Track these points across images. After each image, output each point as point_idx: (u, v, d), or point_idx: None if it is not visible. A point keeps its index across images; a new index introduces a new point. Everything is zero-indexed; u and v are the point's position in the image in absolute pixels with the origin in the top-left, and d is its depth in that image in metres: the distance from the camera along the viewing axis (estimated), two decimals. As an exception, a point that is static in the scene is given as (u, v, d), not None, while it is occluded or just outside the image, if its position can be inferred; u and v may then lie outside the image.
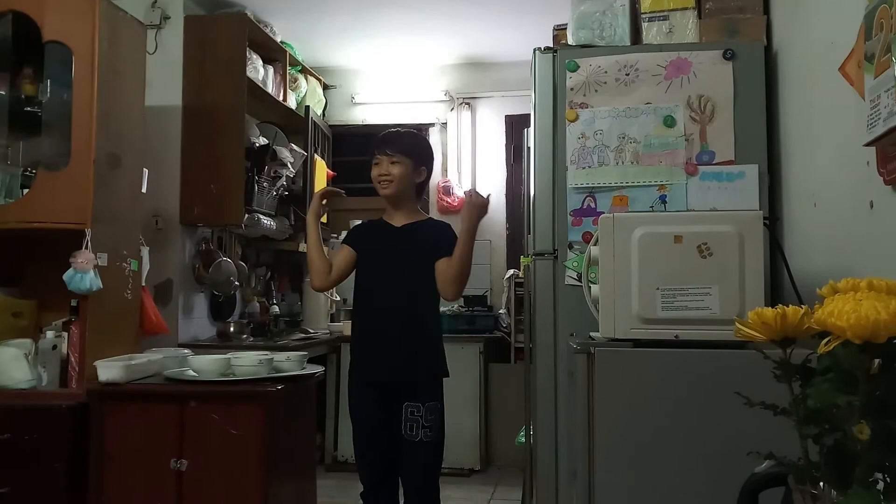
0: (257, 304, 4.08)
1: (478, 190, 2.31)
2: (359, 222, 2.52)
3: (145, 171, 2.91)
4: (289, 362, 2.52)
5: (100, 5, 2.55)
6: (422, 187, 2.36)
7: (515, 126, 4.66)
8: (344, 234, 3.03)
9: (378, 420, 2.22)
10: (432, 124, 4.87)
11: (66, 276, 2.42)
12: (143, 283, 2.90)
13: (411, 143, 2.32)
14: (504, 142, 4.84)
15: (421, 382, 2.21)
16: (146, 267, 2.92)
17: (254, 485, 2.33)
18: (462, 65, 4.80)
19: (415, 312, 2.22)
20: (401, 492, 2.29)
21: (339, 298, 4.49)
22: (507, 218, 4.80)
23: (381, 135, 2.35)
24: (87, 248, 2.46)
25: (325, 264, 2.32)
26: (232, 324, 3.71)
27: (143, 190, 2.91)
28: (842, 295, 0.75)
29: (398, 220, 2.31)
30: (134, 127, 2.80)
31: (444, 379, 2.28)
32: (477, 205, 2.23)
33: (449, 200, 4.82)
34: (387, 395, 2.20)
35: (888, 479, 0.73)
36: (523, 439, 2.87)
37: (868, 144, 1.39)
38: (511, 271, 4.39)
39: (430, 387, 2.23)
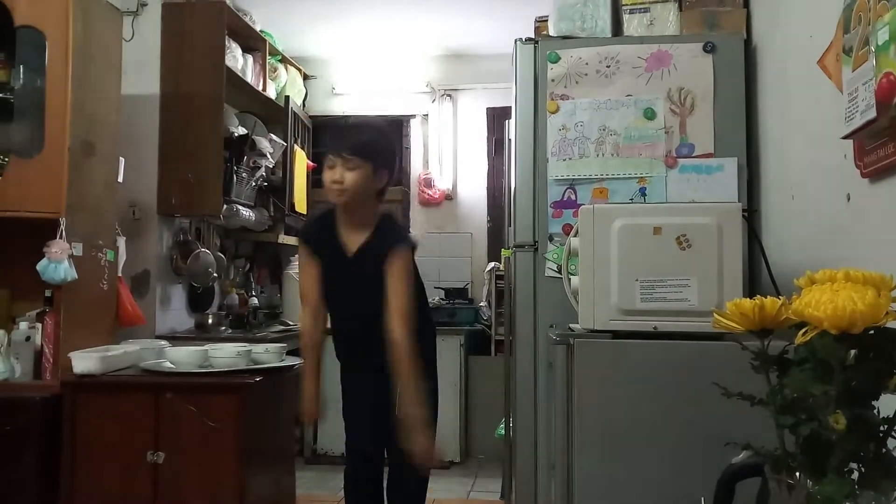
0: (236, 296, 4.04)
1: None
2: (311, 217, 2.32)
3: (121, 159, 2.87)
4: (267, 354, 2.50)
5: (73, -11, 2.50)
6: (382, 192, 2.13)
7: (497, 118, 4.65)
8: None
9: (370, 397, 2.13)
10: (413, 116, 4.85)
11: (39, 266, 2.38)
12: (120, 274, 2.86)
13: (371, 144, 2.07)
14: (486, 134, 4.83)
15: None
16: (122, 257, 2.88)
17: (231, 477, 2.31)
18: (443, 56, 4.78)
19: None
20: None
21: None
22: (488, 210, 4.79)
23: (339, 132, 2.15)
24: (61, 237, 2.42)
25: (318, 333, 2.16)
26: (210, 315, 3.67)
27: (120, 179, 2.87)
28: (819, 286, 0.76)
29: (351, 237, 2.09)
30: (109, 114, 2.75)
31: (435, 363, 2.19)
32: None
33: (430, 193, 4.80)
34: (381, 378, 2.06)
35: (863, 468, 0.74)
36: (503, 431, 2.88)
37: (846, 137, 1.40)
38: (492, 264, 4.38)
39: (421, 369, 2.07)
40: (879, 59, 1.21)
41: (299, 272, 2.19)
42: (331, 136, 2.10)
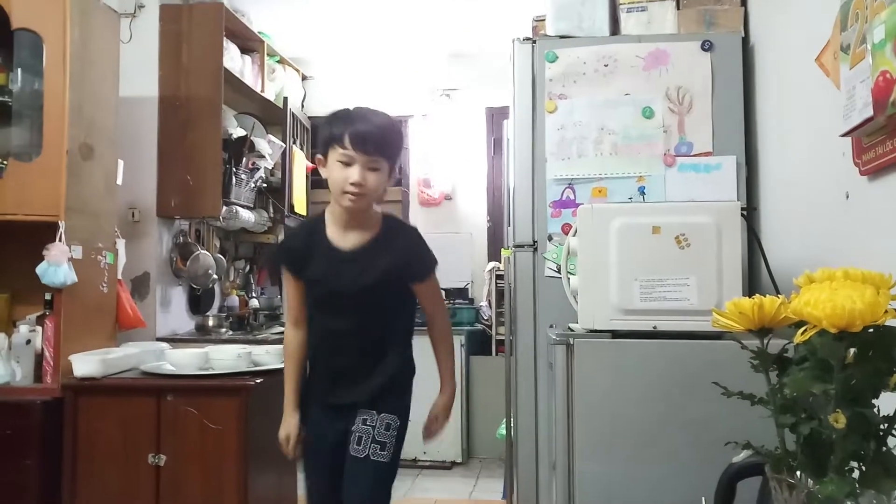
0: (236, 298, 4.04)
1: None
2: (291, 231, 1.94)
3: (120, 162, 2.87)
4: (268, 356, 2.50)
5: (71, -8, 2.50)
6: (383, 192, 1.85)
7: (496, 118, 4.65)
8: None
9: (331, 443, 1.80)
10: (412, 116, 4.85)
11: (39, 269, 2.38)
12: (120, 277, 2.86)
13: (395, 140, 1.80)
14: (485, 134, 4.83)
15: (378, 392, 1.79)
16: (122, 260, 2.88)
17: (233, 479, 2.31)
18: (442, 56, 4.77)
19: (378, 346, 1.81)
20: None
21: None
22: (488, 210, 4.79)
23: (355, 115, 1.76)
24: (60, 240, 2.42)
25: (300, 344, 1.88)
26: (210, 317, 3.67)
27: (119, 182, 2.86)
28: (818, 285, 0.75)
29: (347, 236, 1.79)
30: (108, 117, 2.75)
31: (411, 390, 1.87)
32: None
33: (430, 193, 4.80)
34: (340, 414, 1.80)
35: (863, 467, 0.74)
36: (504, 431, 2.88)
37: (844, 135, 1.39)
38: (492, 264, 4.38)
39: (394, 396, 1.82)
40: (875, 57, 1.21)
41: (286, 288, 1.91)
42: (340, 122, 1.73)
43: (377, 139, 1.71)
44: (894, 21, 1.15)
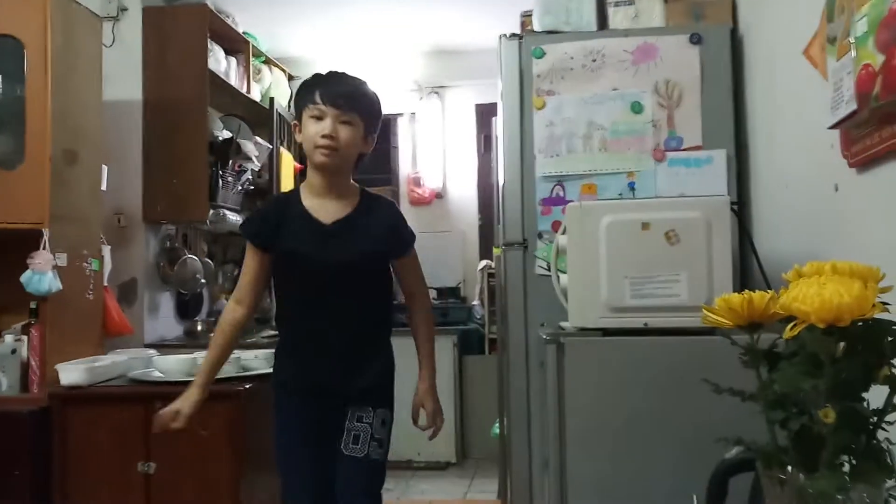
0: (225, 302, 4.01)
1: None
2: (265, 202, 1.85)
3: (105, 167, 2.84)
4: (257, 360, 2.47)
5: (50, -4, 2.47)
6: (361, 161, 1.81)
7: (485, 115, 4.63)
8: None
9: (314, 433, 1.75)
10: (401, 114, 4.83)
11: (23, 278, 2.36)
12: (106, 283, 2.83)
13: (371, 99, 1.76)
14: (474, 131, 4.82)
15: (370, 387, 1.77)
16: (108, 266, 2.85)
17: (225, 486, 2.29)
18: (430, 53, 4.76)
19: (368, 323, 1.78)
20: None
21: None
22: (479, 208, 4.78)
23: (326, 74, 1.74)
24: (44, 248, 2.39)
25: (235, 318, 1.80)
26: (199, 322, 3.64)
27: (103, 187, 2.84)
28: (806, 279, 0.74)
29: (327, 209, 1.74)
30: (91, 122, 2.72)
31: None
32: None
33: (420, 192, 4.78)
34: (325, 403, 1.75)
35: (854, 461, 0.73)
36: (498, 431, 2.86)
37: (832, 127, 1.39)
38: (484, 262, 4.37)
39: (381, 388, 1.79)
40: (859, 50, 1.20)
41: (245, 262, 1.81)
42: (312, 84, 1.73)
43: (347, 93, 1.70)
44: (876, 14, 1.15)
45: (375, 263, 1.78)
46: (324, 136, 1.66)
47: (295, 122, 1.78)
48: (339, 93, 1.69)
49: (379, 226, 1.77)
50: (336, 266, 1.72)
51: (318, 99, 1.68)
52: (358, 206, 1.77)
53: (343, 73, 1.77)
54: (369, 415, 1.74)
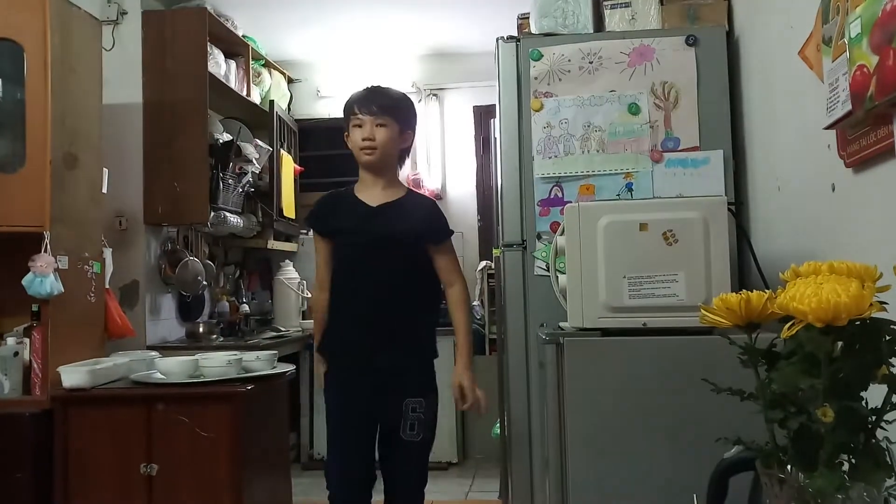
0: (227, 304, 4.02)
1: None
2: (323, 195, 2.13)
3: (105, 170, 2.85)
4: (259, 362, 2.48)
5: (50, 0, 2.47)
6: (404, 155, 2.13)
7: (484, 116, 4.64)
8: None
9: (366, 413, 1.98)
10: (400, 117, 4.83)
11: (25, 281, 2.36)
12: (107, 286, 2.83)
13: (399, 102, 2.06)
14: (473, 132, 4.82)
15: (417, 373, 2.02)
16: (109, 269, 2.85)
17: (226, 487, 2.30)
18: (428, 55, 4.77)
19: (406, 299, 1.99)
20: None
21: (310, 296, 4.44)
22: (478, 209, 4.78)
23: (363, 90, 2.04)
24: (46, 251, 2.39)
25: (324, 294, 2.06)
26: (201, 324, 3.64)
27: (104, 190, 2.84)
28: (803, 279, 0.75)
29: (374, 196, 2.02)
30: (91, 125, 2.72)
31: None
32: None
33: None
34: (377, 385, 1.97)
35: (853, 460, 0.74)
36: (498, 431, 2.87)
37: (828, 128, 1.40)
38: (483, 263, 4.38)
39: (427, 376, 2.05)
40: (853, 51, 1.21)
41: (316, 252, 2.10)
42: (352, 100, 2.05)
43: (380, 100, 2.01)
44: (870, 15, 1.15)
45: (411, 242, 2.00)
46: (364, 140, 1.98)
47: (346, 132, 2.07)
48: (372, 100, 2.00)
49: (418, 212, 2.04)
50: (375, 240, 1.97)
51: (356, 110, 2.01)
52: (403, 197, 2.06)
53: (376, 86, 2.07)
54: (422, 405, 1.99)
